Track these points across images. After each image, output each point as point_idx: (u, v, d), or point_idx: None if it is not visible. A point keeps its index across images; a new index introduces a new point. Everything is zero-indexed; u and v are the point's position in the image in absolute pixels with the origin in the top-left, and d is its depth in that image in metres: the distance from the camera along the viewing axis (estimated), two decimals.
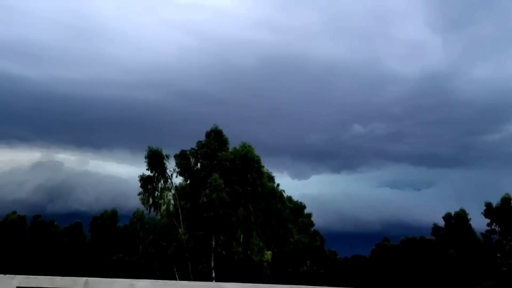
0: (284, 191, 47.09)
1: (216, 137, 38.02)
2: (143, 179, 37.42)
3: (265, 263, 37.13)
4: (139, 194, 37.34)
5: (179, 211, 36.93)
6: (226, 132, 39.21)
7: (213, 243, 35.72)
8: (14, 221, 61.90)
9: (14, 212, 64.09)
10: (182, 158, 37.85)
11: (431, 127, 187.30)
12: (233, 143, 38.73)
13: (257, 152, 38.02)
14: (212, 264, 35.43)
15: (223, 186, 34.90)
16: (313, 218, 60.80)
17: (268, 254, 38.06)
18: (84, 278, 6.44)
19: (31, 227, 63.09)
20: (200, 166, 38.19)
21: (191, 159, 38.23)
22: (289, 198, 53.49)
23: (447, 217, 61.53)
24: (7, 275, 6.92)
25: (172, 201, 37.80)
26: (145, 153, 37.69)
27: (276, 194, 44.72)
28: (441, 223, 62.22)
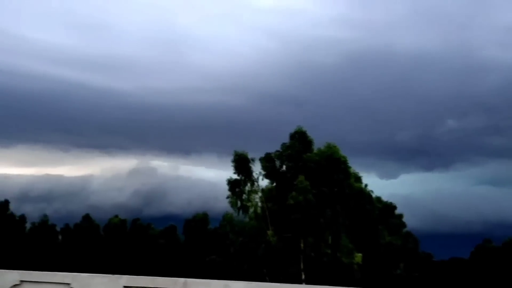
0: (372, 191, 45.66)
1: (300, 138, 37.98)
2: (231, 183, 38.49)
3: (355, 265, 36.22)
4: (227, 197, 38.51)
5: (267, 213, 37.40)
6: (310, 133, 39.03)
7: (302, 245, 35.65)
8: (116, 224, 66.98)
9: (116, 216, 69.35)
10: (267, 161, 38.33)
11: None
12: (318, 144, 38.45)
13: (342, 152, 37.35)
14: (302, 266, 35.36)
15: (309, 187, 34.73)
16: (405, 219, 58.14)
17: (359, 256, 37.07)
18: (183, 279, 6.76)
19: (131, 230, 67.78)
20: (286, 168, 38.38)
21: (276, 162, 38.58)
22: (378, 198, 51.67)
23: None
24: (115, 275, 7.47)
25: (259, 204, 38.42)
26: (231, 157, 38.84)
27: (364, 194, 43.46)
28: None
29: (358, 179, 44.01)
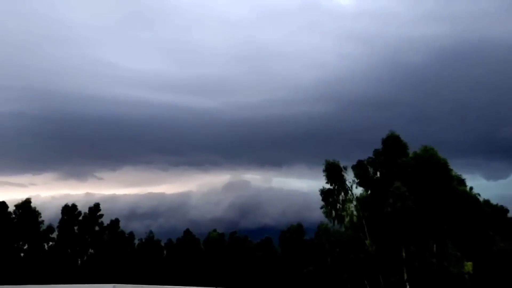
0: (479, 194, 42.20)
1: (393, 143, 36.46)
2: (324, 192, 38.02)
3: (466, 275, 33.55)
4: (321, 207, 38.04)
5: (363, 222, 36.27)
6: (403, 137, 37.34)
7: (404, 254, 33.92)
8: (215, 238, 69.29)
9: (215, 230, 71.77)
10: (360, 168, 37.34)
11: None
12: (413, 148, 36.62)
13: (441, 154, 35.12)
14: (405, 277, 33.60)
15: (407, 194, 33.07)
16: None
17: (469, 265, 34.29)
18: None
19: (229, 243, 69.64)
20: (380, 174, 37.03)
21: (369, 169, 37.41)
22: (487, 201, 47.69)
23: None
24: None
25: (355, 212, 37.43)
26: (322, 166, 38.40)
27: (469, 198, 40.31)
28: None
29: (461, 182, 41.02)
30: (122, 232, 67.58)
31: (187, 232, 70.97)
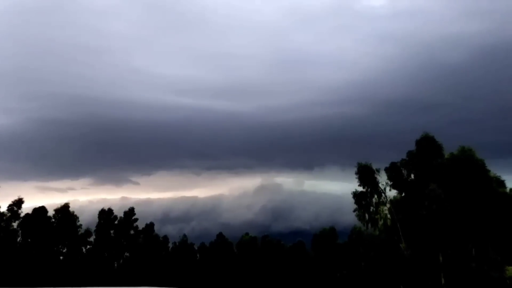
0: None
1: (428, 144, 35.49)
2: (356, 195, 37.43)
3: (508, 280, 32.23)
4: (354, 210, 37.44)
5: (398, 225, 35.46)
6: (439, 138, 36.30)
7: (441, 258, 32.92)
8: (248, 241, 69.36)
9: (247, 234, 71.86)
10: (393, 171, 36.54)
11: None
12: (450, 149, 35.53)
13: (479, 155, 33.94)
14: (443, 281, 32.59)
15: (443, 196, 32.11)
16: None
17: (510, 270, 32.97)
18: None
19: (261, 246, 69.55)
20: (414, 176, 36.12)
21: (403, 171, 36.56)
22: None
23: None
24: None
25: (388, 215, 36.65)
26: (355, 169, 37.79)
27: (509, 199, 38.75)
28: None
29: (501, 183, 39.48)
30: (157, 235, 68.69)
31: (220, 235, 71.41)
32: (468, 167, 32.83)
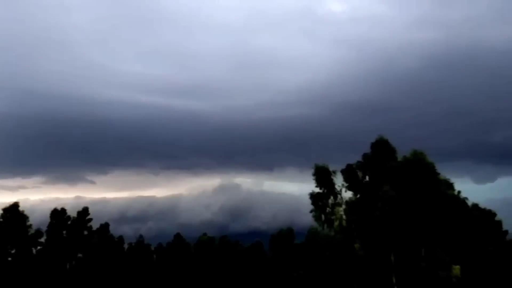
0: (467, 198, 42.46)
1: (382, 147, 36.59)
2: (313, 196, 38.02)
3: (454, 279, 33.72)
4: (311, 211, 38.02)
5: (352, 226, 36.34)
6: (393, 141, 37.49)
7: (393, 258, 34.01)
8: (205, 242, 68.96)
9: (205, 234, 71.45)
10: (349, 172, 37.41)
11: None
12: (403, 152, 36.77)
13: (431, 158, 35.32)
14: (394, 280, 33.68)
15: (395, 198, 33.20)
16: (507, 226, 53.25)
17: (457, 269, 34.48)
18: None
19: (219, 247, 69.34)
20: (369, 178, 37.14)
21: (358, 173, 37.51)
22: (475, 205, 47.90)
23: None
24: None
25: (344, 216, 37.47)
26: (312, 170, 38.39)
27: (458, 202, 40.55)
28: None
29: (450, 185, 41.22)
30: (112, 236, 67.06)
31: (177, 236, 70.67)
32: (419, 170, 34.10)
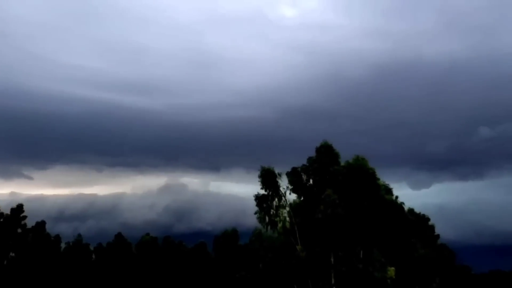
0: (403, 203, 44.57)
1: (326, 152, 37.62)
2: (258, 198, 38.38)
3: (388, 280, 35.23)
4: (255, 213, 38.36)
5: (295, 228, 37.02)
6: (338, 146, 38.64)
7: (332, 259, 35.02)
8: (148, 242, 67.64)
9: (148, 234, 70.06)
10: (294, 175, 38.12)
11: None
12: (347, 157, 37.99)
13: (372, 164, 36.73)
14: (333, 281, 34.68)
15: (337, 201, 34.24)
16: (440, 230, 56.51)
17: (392, 270, 36.04)
18: None
19: (162, 247, 68.26)
20: (313, 182, 38.03)
21: (303, 176, 38.31)
22: (411, 210, 50.40)
23: None
24: None
25: (287, 218, 38.10)
26: (258, 172, 38.75)
27: (395, 206, 42.46)
28: None
29: (389, 191, 43.10)
30: (48, 235, 64.18)
31: (119, 235, 68.79)
32: (361, 175, 35.38)
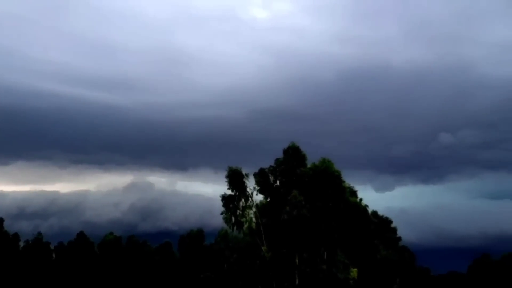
0: (367, 205, 45.49)
1: (293, 153, 37.90)
2: (225, 198, 38.28)
3: (351, 281, 35.87)
4: (221, 213, 38.25)
5: (261, 229, 37.13)
6: (306, 148, 39.00)
7: (297, 260, 35.32)
8: (111, 241, 66.28)
9: (111, 233, 68.64)
10: (261, 176, 38.20)
11: None
12: (314, 159, 38.39)
13: (338, 166, 37.28)
14: (297, 282, 34.98)
15: (303, 202, 34.55)
16: (402, 232, 58.02)
17: (354, 271, 36.72)
18: None
19: (126, 247, 67.04)
20: (280, 183, 38.24)
21: (270, 177, 38.45)
22: (374, 212, 51.51)
23: None
24: None
25: (254, 219, 38.17)
26: (226, 172, 38.64)
27: (359, 209, 43.27)
28: None
29: (354, 193, 43.87)
30: (6, 232, 62.00)
31: (81, 234, 67.16)
32: (326, 177, 35.86)
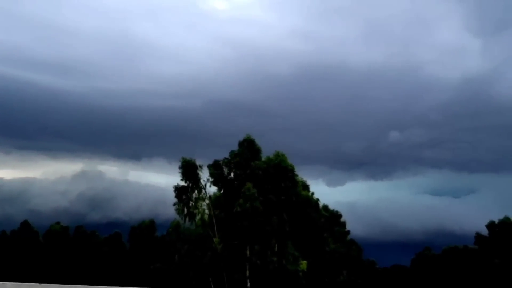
0: (319, 199, 46.53)
1: (248, 146, 38.12)
2: (178, 190, 37.90)
3: (300, 273, 36.66)
4: (174, 204, 37.87)
5: (214, 220, 37.15)
6: (261, 142, 39.29)
7: (248, 252, 35.65)
8: (58, 231, 64.02)
9: (58, 223, 66.30)
10: (215, 168, 38.14)
11: (473, 132, 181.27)
12: (268, 152, 38.77)
13: (292, 160, 37.84)
14: (247, 274, 35.34)
15: (256, 195, 34.87)
16: (351, 227, 59.80)
17: (304, 264, 37.55)
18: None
19: (73, 237, 64.98)
20: (234, 175, 38.35)
21: (224, 169, 38.46)
22: (325, 206, 52.74)
23: (490, 225, 58.97)
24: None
25: (206, 211, 38.07)
26: (180, 163, 38.24)
27: (311, 202, 44.15)
28: (485, 231, 59.78)
29: (306, 187, 44.68)
30: None
31: (25, 223, 64.43)
32: (280, 170, 36.34)
